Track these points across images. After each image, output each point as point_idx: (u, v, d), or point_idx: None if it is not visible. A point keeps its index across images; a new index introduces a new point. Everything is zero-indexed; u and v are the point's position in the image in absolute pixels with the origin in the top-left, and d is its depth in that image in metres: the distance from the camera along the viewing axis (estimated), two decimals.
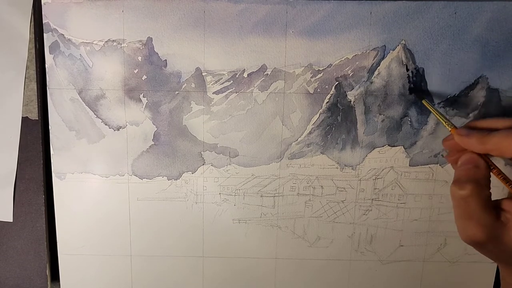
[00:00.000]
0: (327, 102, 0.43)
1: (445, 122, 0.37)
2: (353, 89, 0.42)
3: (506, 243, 0.32)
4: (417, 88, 0.42)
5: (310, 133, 0.43)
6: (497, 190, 0.44)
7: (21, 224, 0.46)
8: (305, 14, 0.41)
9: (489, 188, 0.33)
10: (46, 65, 0.42)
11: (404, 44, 0.41)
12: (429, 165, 0.44)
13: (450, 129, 0.37)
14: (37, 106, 0.43)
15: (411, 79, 0.42)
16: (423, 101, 0.40)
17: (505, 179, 0.34)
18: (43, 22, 0.41)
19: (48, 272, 0.47)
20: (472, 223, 0.32)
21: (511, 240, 0.32)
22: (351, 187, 0.45)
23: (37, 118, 0.44)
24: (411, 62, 0.41)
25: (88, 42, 0.41)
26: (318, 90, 0.42)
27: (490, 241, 0.32)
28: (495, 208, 0.33)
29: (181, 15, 0.41)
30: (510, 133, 0.32)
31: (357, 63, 0.42)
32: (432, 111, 0.39)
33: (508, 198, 0.34)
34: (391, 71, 0.42)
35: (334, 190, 0.45)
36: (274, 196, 0.45)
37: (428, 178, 0.44)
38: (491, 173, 0.34)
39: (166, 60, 0.42)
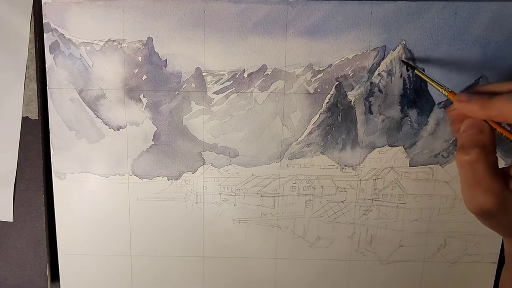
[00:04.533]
0: (327, 102, 0.43)
1: (442, 88, 0.36)
2: (353, 89, 0.42)
3: None
4: (408, 60, 0.41)
5: (310, 133, 0.43)
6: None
7: (21, 224, 0.46)
8: (305, 14, 0.41)
9: (495, 153, 0.32)
10: (46, 65, 0.42)
11: (405, 44, 0.41)
12: (429, 165, 0.44)
13: (447, 94, 0.35)
14: (37, 106, 0.43)
15: (411, 79, 0.42)
16: (416, 71, 0.39)
17: (510, 137, 0.32)
18: (43, 22, 0.41)
19: (48, 272, 0.47)
20: (480, 190, 0.31)
21: None
22: (351, 187, 0.45)
23: (37, 118, 0.43)
24: (411, 62, 0.41)
25: (88, 42, 0.41)
26: (318, 90, 0.42)
27: (499, 210, 0.31)
28: (503, 176, 0.31)
29: (181, 15, 0.41)
30: None
31: (357, 63, 0.42)
32: (427, 80, 0.38)
33: None
34: (391, 71, 0.42)
35: (334, 190, 0.45)
36: (274, 196, 0.45)
37: (428, 178, 0.44)
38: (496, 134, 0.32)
39: (166, 60, 0.42)
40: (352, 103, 0.43)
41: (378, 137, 0.43)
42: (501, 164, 0.43)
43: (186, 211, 0.45)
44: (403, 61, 0.41)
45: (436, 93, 0.42)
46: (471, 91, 0.34)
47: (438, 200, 0.45)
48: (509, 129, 0.32)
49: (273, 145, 0.44)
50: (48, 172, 0.45)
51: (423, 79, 0.38)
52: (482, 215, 0.32)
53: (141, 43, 0.41)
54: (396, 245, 0.46)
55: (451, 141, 0.43)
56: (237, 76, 0.42)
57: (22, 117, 0.43)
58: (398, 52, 0.41)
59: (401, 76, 0.42)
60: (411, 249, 0.46)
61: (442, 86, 0.36)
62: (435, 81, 0.37)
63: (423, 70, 0.41)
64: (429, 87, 0.42)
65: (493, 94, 0.31)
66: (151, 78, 0.42)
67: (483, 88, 0.34)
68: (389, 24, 0.41)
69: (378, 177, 0.44)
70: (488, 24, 0.41)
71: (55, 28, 0.41)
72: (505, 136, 0.32)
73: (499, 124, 0.32)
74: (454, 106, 0.34)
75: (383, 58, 0.41)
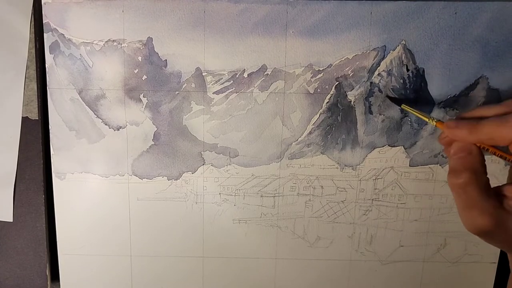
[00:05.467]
0: (327, 102, 0.43)
1: (430, 119, 0.37)
2: (353, 89, 0.42)
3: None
4: (394, 96, 0.42)
5: (310, 133, 0.43)
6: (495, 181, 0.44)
7: (21, 224, 0.46)
8: (305, 14, 0.41)
9: (486, 174, 0.32)
10: (46, 65, 0.42)
11: (404, 44, 0.41)
12: (429, 165, 0.44)
13: (435, 123, 0.36)
14: (37, 106, 0.43)
15: (411, 79, 0.42)
16: (402, 106, 0.40)
17: (502, 156, 0.33)
18: (43, 22, 0.41)
19: (48, 272, 0.47)
20: (475, 212, 0.31)
21: None
22: (351, 187, 0.45)
23: (37, 118, 0.43)
24: (411, 62, 0.41)
25: (88, 42, 0.41)
26: (318, 90, 0.42)
27: (496, 229, 0.31)
28: (496, 195, 0.32)
29: (181, 15, 0.41)
30: (501, 120, 0.31)
31: (357, 63, 0.42)
32: (413, 113, 0.39)
33: (509, 184, 0.33)
34: (391, 71, 0.42)
35: (334, 190, 0.45)
36: (274, 196, 0.45)
37: (428, 178, 0.44)
38: (489, 154, 0.33)
39: (166, 60, 0.42)
40: (352, 103, 0.43)
41: (378, 137, 0.43)
42: (500, 167, 0.43)
43: (186, 211, 0.45)
44: (388, 97, 0.42)
45: (436, 93, 0.42)
46: (459, 116, 0.35)
47: (438, 200, 0.45)
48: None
49: (273, 145, 0.44)
50: (48, 172, 0.45)
51: (409, 111, 0.40)
52: (481, 235, 0.32)
53: (141, 43, 0.41)
54: (396, 245, 0.46)
55: None
56: (237, 76, 0.42)
57: (22, 117, 0.43)
58: (398, 52, 0.41)
59: (401, 76, 0.42)
60: (411, 249, 0.46)
61: (428, 117, 0.37)
62: (421, 113, 0.38)
63: (423, 70, 0.41)
64: (429, 87, 0.42)
65: (481, 119, 0.32)
66: (151, 78, 0.42)
67: (470, 113, 0.34)
68: (389, 24, 0.41)
69: (378, 177, 0.44)
70: (488, 24, 0.41)
71: (55, 28, 0.41)
72: (498, 154, 0.33)
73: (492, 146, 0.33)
74: (444, 133, 0.35)
75: (383, 58, 0.41)
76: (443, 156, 0.44)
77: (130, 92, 0.43)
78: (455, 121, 0.34)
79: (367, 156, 0.44)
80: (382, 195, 0.45)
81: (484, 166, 0.33)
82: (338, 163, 0.44)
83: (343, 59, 0.42)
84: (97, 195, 0.45)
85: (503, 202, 0.32)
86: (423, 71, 0.42)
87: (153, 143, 0.44)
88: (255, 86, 0.42)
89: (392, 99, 0.42)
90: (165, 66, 0.42)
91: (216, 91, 0.42)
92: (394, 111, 0.43)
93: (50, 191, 0.45)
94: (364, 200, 0.45)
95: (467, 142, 0.33)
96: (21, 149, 0.44)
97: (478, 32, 0.41)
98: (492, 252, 0.46)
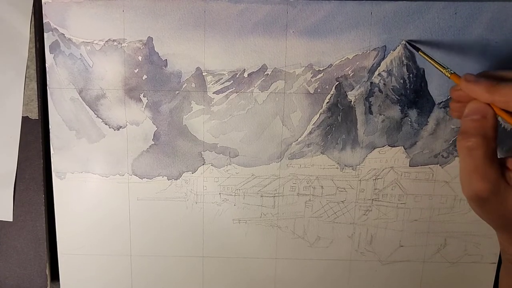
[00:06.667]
0: (327, 102, 0.43)
1: (445, 70, 0.36)
2: (353, 89, 0.42)
3: (508, 204, 0.31)
4: (413, 43, 0.41)
5: (310, 133, 0.43)
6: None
7: (21, 224, 0.46)
8: (305, 14, 0.41)
9: (496, 140, 0.32)
10: (47, 65, 0.42)
11: (405, 44, 0.41)
12: (429, 166, 0.44)
13: (449, 75, 0.35)
14: (37, 105, 0.43)
15: (411, 79, 0.42)
16: (420, 52, 0.39)
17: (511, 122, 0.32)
18: (44, 22, 0.41)
19: (48, 272, 0.47)
20: (476, 176, 0.31)
21: None
22: (351, 187, 0.45)
23: (37, 118, 0.43)
24: (411, 62, 0.41)
25: (89, 42, 0.41)
26: (319, 90, 0.42)
27: (493, 198, 0.31)
28: (500, 165, 0.32)
29: (181, 15, 0.41)
30: None
31: (357, 63, 0.42)
32: (430, 61, 0.38)
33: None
34: (391, 71, 0.42)
35: (334, 190, 0.45)
36: (274, 196, 0.45)
37: (428, 179, 0.44)
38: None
39: (166, 59, 0.42)
40: (352, 103, 0.43)
41: (378, 137, 0.43)
42: None
43: (186, 211, 0.45)
44: (407, 42, 0.41)
45: (436, 93, 0.42)
46: (479, 73, 0.34)
47: (438, 200, 0.45)
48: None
49: (273, 145, 0.44)
50: (48, 172, 0.45)
51: (426, 60, 0.38)
52: (476, 201, 0.32)
53: (141, 42, 0.41)
54: (396, 245, 0.46)
55: (451, 141, 0.43)
56: (237, 76, 0.42)
57: (22, 116, 0.43)
58: (398, 52, 0.41)
59: (401, 76, 0.42)
60: (411, 249, 0.46)
61: (444, 67, 0.36)
62: (438, 62, 0.37)
63: (423, 71, 0.42)
64: (430, 87, 0.42)
65: (501, 80, 0.32)
66: (151, 78, 0.42)
67: (491, 73, 0.34)
68: (389, 24, 0.41)
69: (378, 177, 0.44)
70: (488, 24, 0.41)
71: (55, 28, 0.41)
72: (504, 121, 0.32)
73: (503, 110, 0.32)
74: (459, 86, 0.34)
75: (383, 58, 0.41)
76: (443, 156, 0.44)
77: (130, 91, 0.43)
78: (475, 76, 0.33)
79: (367, 156, 0.44)
80: (382, 195, 0.45)
81: (496, 132, 0.32)
82: (338, 163, 0.44)
83: (343, 59, 0.42)
84: (97, 195, 0.45)
85: (505, 174, 0.32)
86: (423, 71, 0.42)
87: (153, 142, 0.44)
88: (255, 86, 0.42)
89: (411, 45, 0.41)
90: (165, 65, 0.42)
91: (216, 91, 0.43)
92: (394, 111, 0.43)
93: (50, 191, 0.45)
94: (364, 200, 0.45)
95: (481, 100, 0.32)
96: (21, 149, 0.44)
97: (478, 32, 0.41)
98: (492, 252, 0.46)
